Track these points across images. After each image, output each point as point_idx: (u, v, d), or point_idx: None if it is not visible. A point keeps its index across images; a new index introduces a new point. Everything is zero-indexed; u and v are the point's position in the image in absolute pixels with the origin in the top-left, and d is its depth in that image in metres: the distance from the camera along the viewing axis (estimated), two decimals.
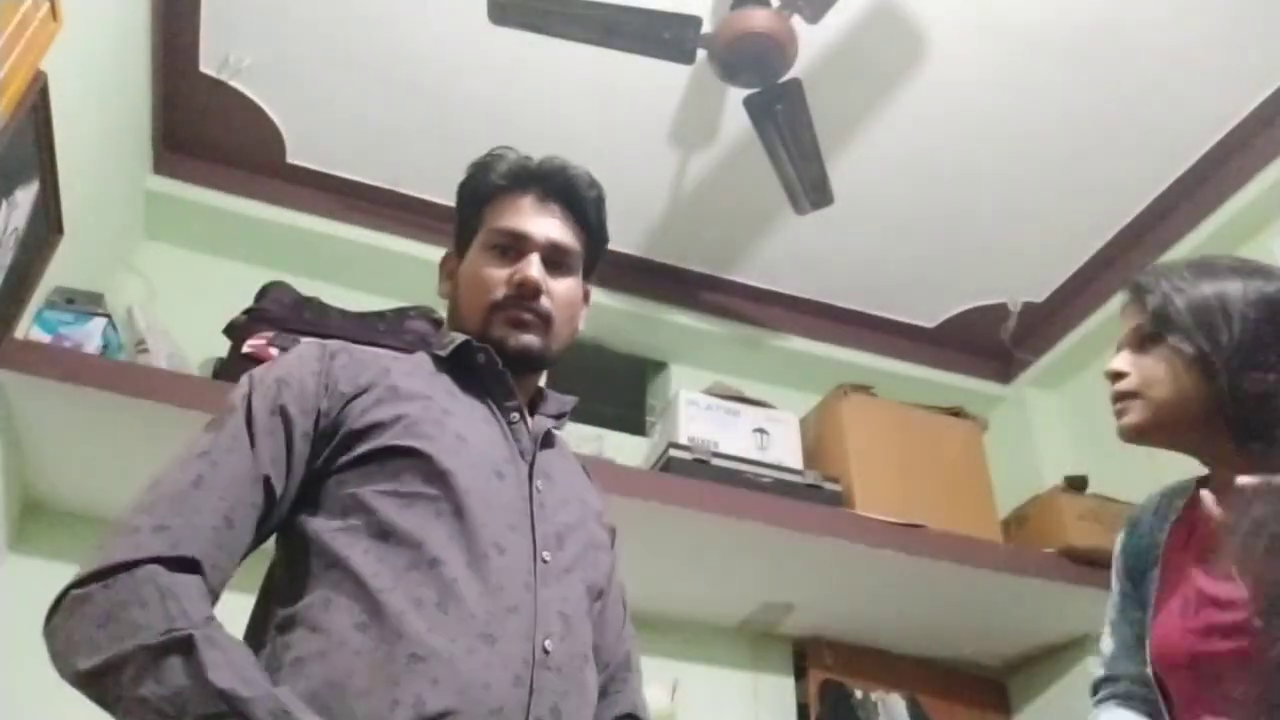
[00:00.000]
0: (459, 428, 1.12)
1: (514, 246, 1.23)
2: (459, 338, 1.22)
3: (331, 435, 1.09)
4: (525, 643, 1.00)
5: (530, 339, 1.20)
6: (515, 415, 1.19)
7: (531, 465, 1.16)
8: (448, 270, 1.32)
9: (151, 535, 0.96)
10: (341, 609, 0.97)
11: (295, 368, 1.13)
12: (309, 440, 1.08)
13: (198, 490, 1.01)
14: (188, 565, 0.95)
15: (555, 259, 1.24)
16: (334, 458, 1.08)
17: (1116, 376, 1.36)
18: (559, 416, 1.26)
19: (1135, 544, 1.45)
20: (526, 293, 1.20)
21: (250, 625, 1.05)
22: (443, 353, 1.22)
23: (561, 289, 1.24)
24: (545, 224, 1.24)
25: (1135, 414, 1.33)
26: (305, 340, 1.21)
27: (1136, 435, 1.35)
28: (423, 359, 1.24)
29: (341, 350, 1.17)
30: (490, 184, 1.26)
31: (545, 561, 1.08)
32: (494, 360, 1.19)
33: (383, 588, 0.98)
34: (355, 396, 1.11)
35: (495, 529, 1.06)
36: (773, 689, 2.83)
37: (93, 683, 0.90)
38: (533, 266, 1.21)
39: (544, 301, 1.21)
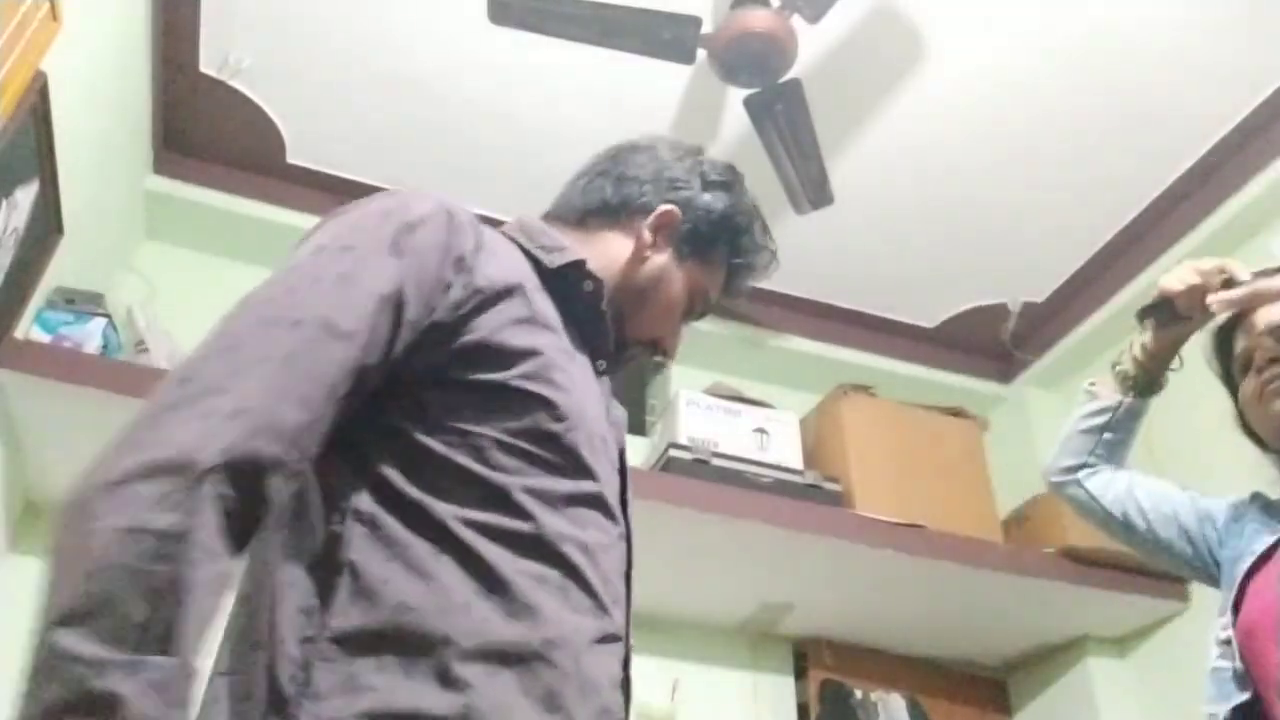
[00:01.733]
0: (577, 375, 0.94)
1: (695, 308, 1.16)
2: (570, 252, 1.02)
3: (453, 333, 0.86)
4: (622, 643, 0.89)
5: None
6: (602, 364, 1.03)
7: (618, 427, 1.05)
8: (662, 225, 1.11)
9: (227, 420, 0.72)
10: (452, 567, 0.80)
11: (423, 236, 0.87)
12: (416, 331, 0.84)
13: (287, 369, 0.77)
14: (255, 472, 0.73)
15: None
16: (451, 366, 0.86)
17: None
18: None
19: (1238, 532, 1.43)
20: (658, 353, 1.15)
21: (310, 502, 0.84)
22: (549, 262, 1.01)
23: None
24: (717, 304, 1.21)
25: None
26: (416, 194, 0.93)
27: None
28: (526, 265, 0.99)
29: (471, 223, 0.91)
30: (748, 254, 1.19)
31: (631, 545, 0.97)
32: (601, 298, 1.03)
33: (499, 559, 0.81)
34: (494, 300, 0.88)
35: (606, 504, 0.92)
36: (773, 689, 2.82)
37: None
38: (679, 341, 1.16)
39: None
